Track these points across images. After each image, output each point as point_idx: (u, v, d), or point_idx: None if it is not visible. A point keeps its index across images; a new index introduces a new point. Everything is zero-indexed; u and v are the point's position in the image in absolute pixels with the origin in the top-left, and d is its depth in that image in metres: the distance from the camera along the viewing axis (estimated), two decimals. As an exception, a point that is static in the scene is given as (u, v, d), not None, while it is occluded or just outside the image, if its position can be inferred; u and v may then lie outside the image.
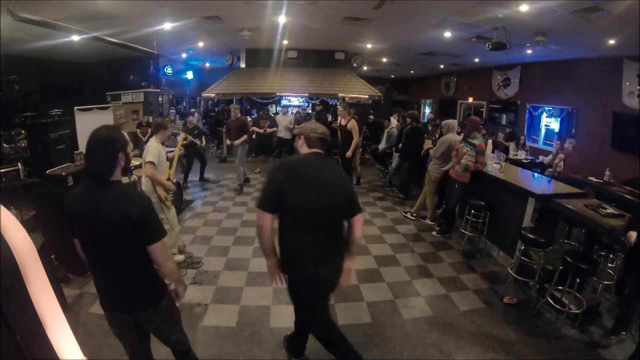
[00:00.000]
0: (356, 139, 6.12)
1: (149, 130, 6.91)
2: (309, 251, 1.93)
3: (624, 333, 2.78)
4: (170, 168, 3.71)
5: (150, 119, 9.07)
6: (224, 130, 8.49)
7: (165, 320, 1.80)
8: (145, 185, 3.50)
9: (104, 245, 1.57)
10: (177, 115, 8.21)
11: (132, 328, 1.76)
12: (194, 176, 7.25)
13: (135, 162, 4.14)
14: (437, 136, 6.05)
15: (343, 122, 6.28)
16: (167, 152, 3.70)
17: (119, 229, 1.52)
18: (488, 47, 6.15)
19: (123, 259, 1.59)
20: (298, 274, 2.00)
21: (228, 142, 7.10)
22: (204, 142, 7.35)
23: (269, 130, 7.77)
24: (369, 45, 9.02)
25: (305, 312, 2.18)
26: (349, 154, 6.18)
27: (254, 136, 8.10)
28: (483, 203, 4.15)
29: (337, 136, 8.86)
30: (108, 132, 1.57)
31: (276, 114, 9.28)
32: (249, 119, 8.71)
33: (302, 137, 2.06)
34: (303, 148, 2.05)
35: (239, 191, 6.51)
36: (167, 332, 1.84)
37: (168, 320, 1.82)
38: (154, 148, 3.36)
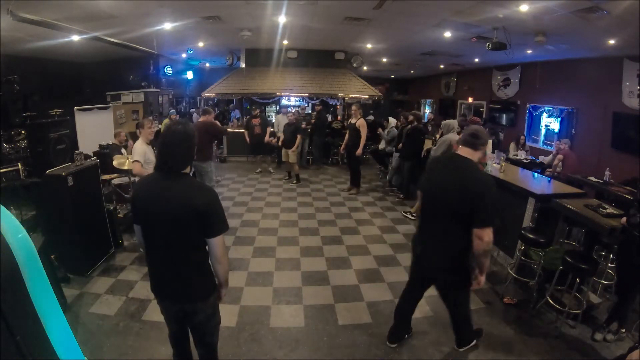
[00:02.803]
0: (364, 136, 6.24)
1: None
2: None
3: (623, 330, 2.78)
4: None
5: (150, 119, 9.06)
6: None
7: (210, 318, 1.82)
8: None
9: (167, 235, 1.62)
10: (178, 115, 8.20)
11: (179, 318, 1.81)
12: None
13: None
14: (437, 136, 6.05)
15: (353, 121, 6.34)
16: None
17: (184, 219, 1.57)
18: (488, 47, 6.14)
19: (183, 249, 1.65)
20: None
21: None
22: None
23: (259, 130, 7.68)
24: (369, 45, 9.02)
25: None
26: (359, 152, 6.31)
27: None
28: (483, 203, 4.14)
29: (337, 136, 8.91)
30: (186, 127, 1.66)
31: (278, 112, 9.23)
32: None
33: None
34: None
35: None
36: (207, 331, 1.86)
37: (212, 319, 1.85)
38: (138, 148, 3.63)
